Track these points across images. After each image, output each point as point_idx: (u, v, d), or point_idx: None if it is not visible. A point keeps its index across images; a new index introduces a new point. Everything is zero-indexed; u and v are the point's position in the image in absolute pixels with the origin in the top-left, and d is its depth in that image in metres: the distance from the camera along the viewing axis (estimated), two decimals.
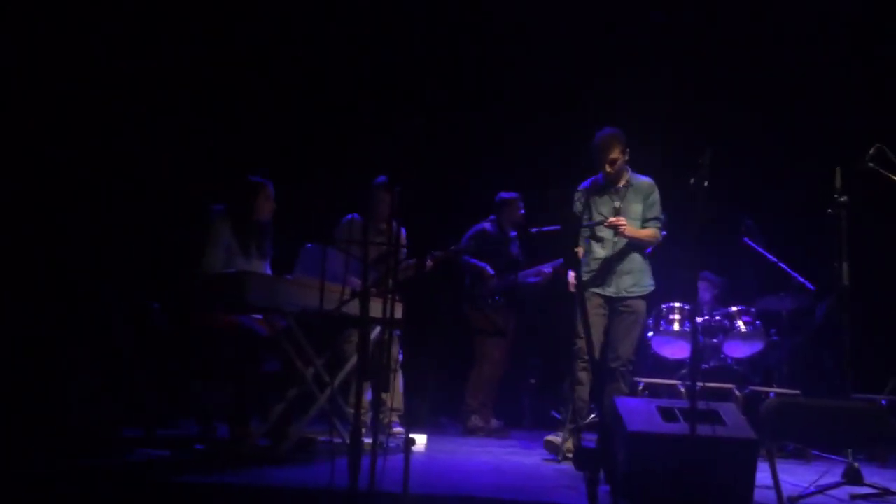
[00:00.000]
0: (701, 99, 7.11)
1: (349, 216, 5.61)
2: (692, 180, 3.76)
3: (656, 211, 5.16)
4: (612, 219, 5.02)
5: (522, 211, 6.42)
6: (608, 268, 5.11)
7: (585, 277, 5.10)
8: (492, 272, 6.28)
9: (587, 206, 5.20)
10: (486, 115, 7.50)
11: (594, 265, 5.14)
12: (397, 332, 5.36)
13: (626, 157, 5.13)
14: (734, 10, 7.14)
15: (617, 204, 5.12)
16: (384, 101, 6.99)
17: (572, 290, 5.10)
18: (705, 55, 7.23)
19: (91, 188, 6.06)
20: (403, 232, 5.48)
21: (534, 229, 5.47)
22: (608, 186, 5.18)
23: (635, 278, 5.13)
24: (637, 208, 5.13)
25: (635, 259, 5.14)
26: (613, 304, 5.11)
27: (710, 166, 3.74)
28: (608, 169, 5.11)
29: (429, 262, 5.68)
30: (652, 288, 5.19)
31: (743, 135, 7.04)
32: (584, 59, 7.30)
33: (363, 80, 7.16)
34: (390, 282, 4.15)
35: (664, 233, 5.22)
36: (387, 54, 7.20)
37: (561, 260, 6.18)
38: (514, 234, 6.47)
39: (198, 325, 4.53)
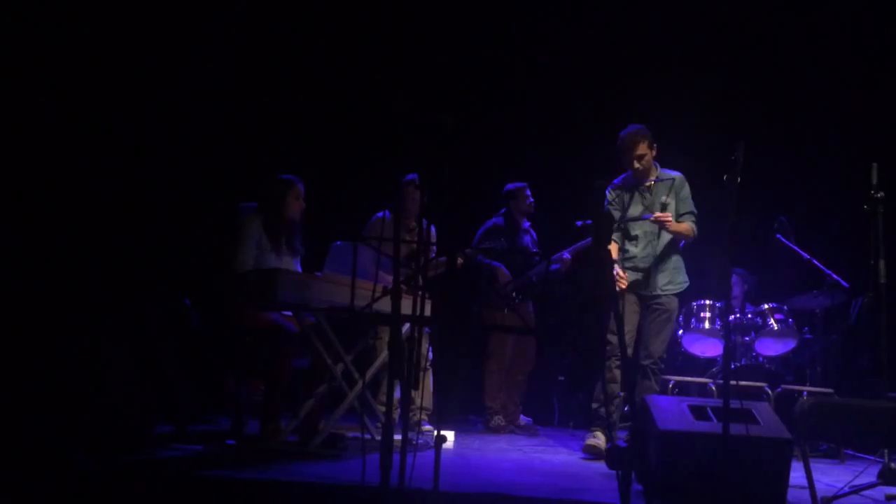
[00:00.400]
0: (733, 94, 7.04)
1: (379, 213, 5.61)
2: (724, 177, 3.72)
3: (690, 205, 5.11)
4: (658, 213, 4.96)
5: (531, 200, 6.28)
6: (642, 266, 5.07)
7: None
8: (507, 273, 6.14)
9: (619, 204, 5.16)
10: (515, 111, 7.48)
11: (628, 264, 5.11)
12: (427, 330, 5.35)
13: (654, 152, 5.07)
14: (764, 5, 7.06)
15: (664, 199, 5.06)
16: (413, 97, 6.99)
17: (622, 286, 5.01)
18: (738, 50, 7.15)
19: (122, 188, 6.13)
20: (433, 230, 5.47)
21: (579, 223, 5.40)
22: (639, 183, 5.13)
23: (669, 276, 5.09)
24: (670, 204, 5.09)
25: (670, 257, 5.10)
26: (647, 302, 5.07)
27: (742, 163, 3.69)
28: (637, 165, 5.05)
29: (460, 260, 5.64)
30: (686, 285, 5.15)
31: (776, 130, 6.96)
32: (614, 55, 7.26)
33: (392, 78, 7.18)
34: (420, 279, 4.14)
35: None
36: (416, 51, 7.21)
37: (582, 242, 6.03)
38: (527, 224, 6.37)
39: (229, 322, 4.57)
